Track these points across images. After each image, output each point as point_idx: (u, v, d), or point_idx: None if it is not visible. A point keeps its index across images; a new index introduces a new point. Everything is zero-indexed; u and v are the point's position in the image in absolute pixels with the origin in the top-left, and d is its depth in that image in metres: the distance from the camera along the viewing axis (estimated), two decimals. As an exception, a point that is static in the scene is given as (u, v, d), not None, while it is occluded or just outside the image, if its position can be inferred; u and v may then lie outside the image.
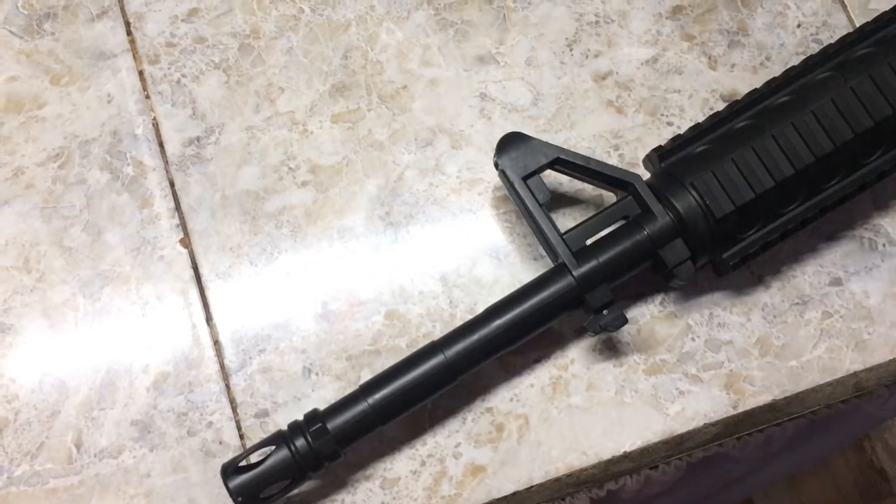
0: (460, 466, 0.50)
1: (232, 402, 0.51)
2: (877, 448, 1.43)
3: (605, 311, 0.48)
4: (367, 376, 0.51)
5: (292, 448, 0.45)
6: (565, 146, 0.55)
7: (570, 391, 0.51)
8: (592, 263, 0.48)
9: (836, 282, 0.53)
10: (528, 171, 0.49)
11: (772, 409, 0.52)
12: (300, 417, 0.50)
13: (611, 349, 0.52)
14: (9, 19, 0.58)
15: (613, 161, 0.55)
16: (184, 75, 0.57)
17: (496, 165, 0.50)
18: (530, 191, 0.49)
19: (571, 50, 0.58)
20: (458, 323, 0.52)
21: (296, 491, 0.48)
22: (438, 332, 0.52)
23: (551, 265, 0.51)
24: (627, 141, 0.56)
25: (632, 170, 0.52)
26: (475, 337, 0.47)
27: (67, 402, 0.51)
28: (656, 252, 0.48)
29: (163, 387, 0.51)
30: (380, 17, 0.59)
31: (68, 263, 0.53)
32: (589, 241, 0.49)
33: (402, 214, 0.54)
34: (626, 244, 0.48)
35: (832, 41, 0.53)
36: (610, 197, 0.54)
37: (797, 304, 0.53)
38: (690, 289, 0.53)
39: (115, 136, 0.56)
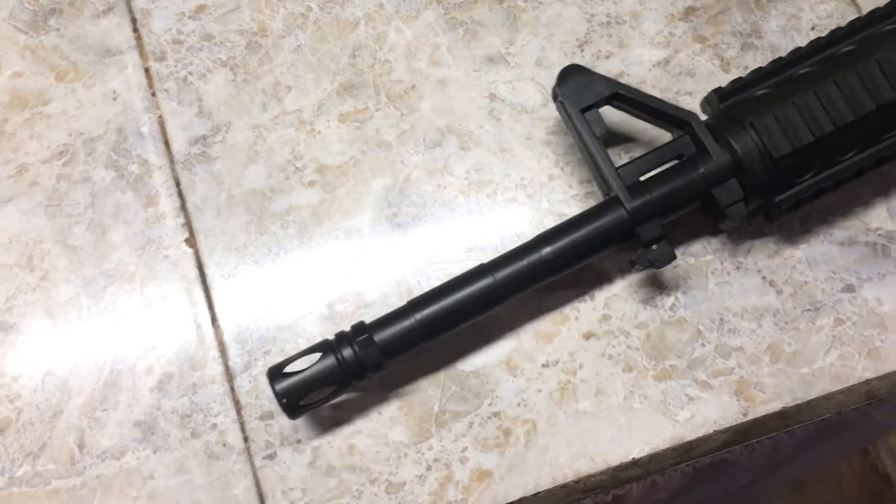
0: (467, 471, 0.50)
1: (236, 403, 0.51)
2: (881, 453, 1.42)
3: (654, 247, 0.48)
4: (372, 379, 0.51)
5: (339, 356, 0.46)
6: (574, 149, 0.55)
7: (578, 396, 0.51)
8: (645, 197, 0.48)
9: (849, 288, 0.53)
10: (587, 104, 0.49)
11: (782, 416, 0.51)
12: (304, 419, 0.50)
13: (620, 354, 0.51)
14: (14, 14, 0.57)
15: (623, 161, 0.54)
16: (190, 73, 0.56)
17: (555, 97, 0.51)
18: (588, 123, 0.49)
19: (582, 51, 0.57)
20: (466, 328, 0.51)
21: (340, 398, 0.48)
22: (446, 337, 0.51)
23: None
24: (639, 143, 0.55)
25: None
26: (525, 262, 0.48)
27: (70, 403, 0.50)
28: (709, 191, 0.48)
29: (167, 388, 0.51)
30: (389, 15, 0.58)
31: (72, 262, 0.53)
32: (643, 178, 0.49)
33: (409, 215, 0.54)
34: (679, 181, 0.48)
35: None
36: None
37: (809, 310, 0.52)
38: (701, 294, 0.52)
39: (120, 133, 0.55)
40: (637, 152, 0.54)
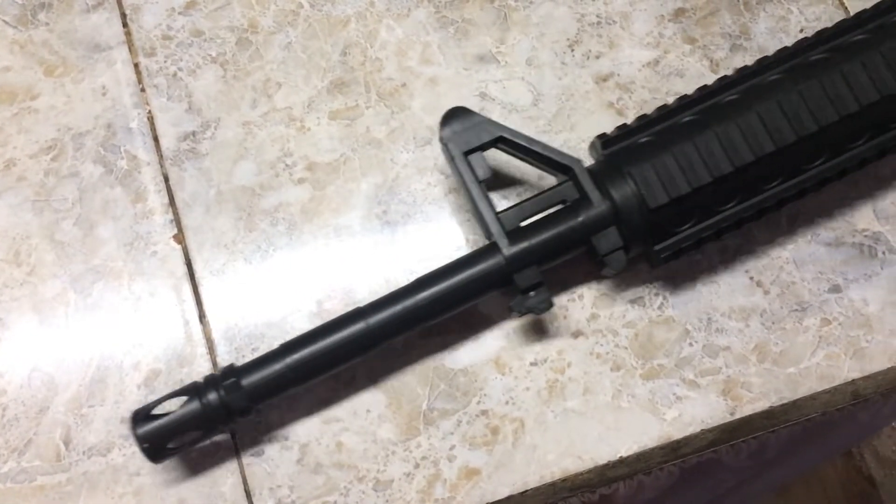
0: (454, 469, 0.50)
1: (224, 400, 0.50)
2: (865, 455, 1.43)
3: (532, 293, 0.48)
4: (361, 377, 0.51)
5: (204, 401, 0.45)
6: (564, 148, 0.55)
7: (566, 395, 0.51)
8: (524, 244, 0.48)
9: (836, 289, 0.53)
10: (471, 147, 0.49)
11: (769, 415, 0.51)
12: (292, 416, 0.49)
13: (608, 353, 0.51)
14: (2, 8, 0.57)
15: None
16: (180, 69, 0.56)
17: (441, 139, 0.50)
18: (470, 167, 0.49)
19: (573, 50, 0.57)
20: (454, 324, 0.51)
21: (207, 442, 0.48)
22: (435, 334, 0.52)
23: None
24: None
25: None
26: (399, 307, 0.47)
27: (56, 399, 0.50)
28: (590, 239, 0.48)
29: (154, 384, 0.50)
30: (379, 13, 0.58)
31: (60, 257, 0.52)
32: (525, 223, 0.49)
33: (399, 213, 0.54)
34: (559, 228, 0.48)
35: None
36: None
37: (796, 310, 0.52)
38: (689, 293, 0.53)
39: (109, 129, 0.55)
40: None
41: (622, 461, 0.50)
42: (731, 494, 0.84)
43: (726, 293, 0.53)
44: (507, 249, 0.47)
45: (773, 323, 0.52)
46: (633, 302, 0.52)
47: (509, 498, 0.49)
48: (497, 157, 0.52)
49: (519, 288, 0.48)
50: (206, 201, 0.53)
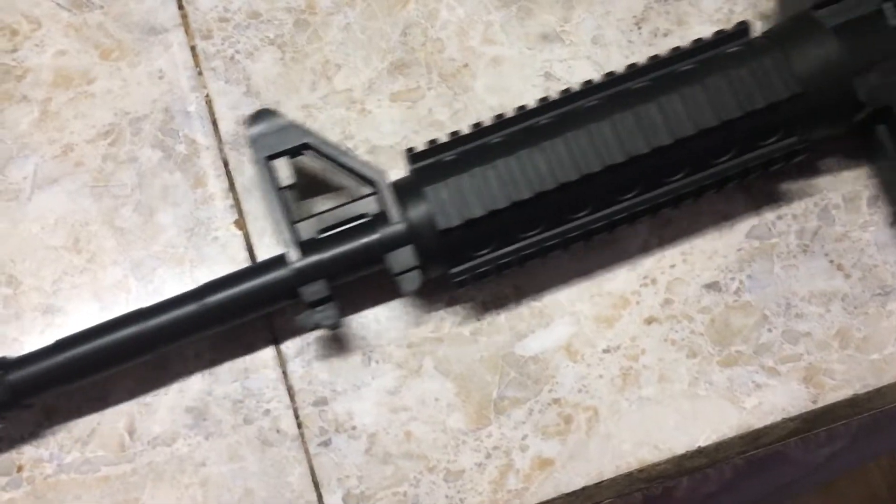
0: (527, 459, 0.48)
1: (289, 389, 0.49)
2: (910, 447, 1.40)
3: (319, 308, 0.46)
4: (428, 364, 0.50)
5: None
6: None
7: (641, 382, 0.49)
8: (314, 258, 0.45)
9: (920, 272, 0.51)
10: (274, 152, 0.47)
11: (852, 403, 0.49)
12: (359, 406, 0.48)
13: (683, 340, 0.50)
14: (57, -8, 0.56)
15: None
16: (237, 51, 0.55)
17: (248, 140, 0.48)
18: (270, 172, 0.47)
19: (640, 28, 0.55)
20: (524, 311, 0.50)
21: None
22: (503, 321, 0.50)
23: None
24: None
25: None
26: (182, 311, 0.46)
27: (119, 387, 0.49)
28: (384, 257, 0.46)
29: (218, 373, 0.49)
30: (439, -7, 0.56)
31: (120, 244, 0.51)
32: (324, 235, 0.47)
33: (464, 197, 0.52)
34: (353, 244, 0.46)
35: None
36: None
37: (879, 294, 0.50)
38: (766, 277, 0.51)
39: (166, 112, 0.54)
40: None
41: (700, 451, 0.48)
42: (788, 488, 0.82)
43: (805, 277, 0.51)
44: (296, 261, 0.45)
45: (856, 308, 0.50)
46: (708, 287, 0.51)
47: (584, 489, 0.48)
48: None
49: (304, 301, 0.45)
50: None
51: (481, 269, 0.46)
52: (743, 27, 0.48)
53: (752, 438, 0.49)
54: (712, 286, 0.51)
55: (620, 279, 0.51)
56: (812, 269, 0.51)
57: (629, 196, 0.46)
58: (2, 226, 0.52)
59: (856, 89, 0.46)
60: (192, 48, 0.55)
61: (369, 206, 0.47)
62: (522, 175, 0.45)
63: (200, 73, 0.54)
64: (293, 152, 0.47)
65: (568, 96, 0.48)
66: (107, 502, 0.47)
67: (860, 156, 0.52)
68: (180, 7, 0.56)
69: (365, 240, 0.46)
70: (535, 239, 0.46)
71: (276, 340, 0.50)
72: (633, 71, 0.48)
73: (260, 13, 0.56)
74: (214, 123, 0.54)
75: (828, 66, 0.47)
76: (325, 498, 0.48)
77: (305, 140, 0.47)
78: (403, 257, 0.46)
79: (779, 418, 0.49)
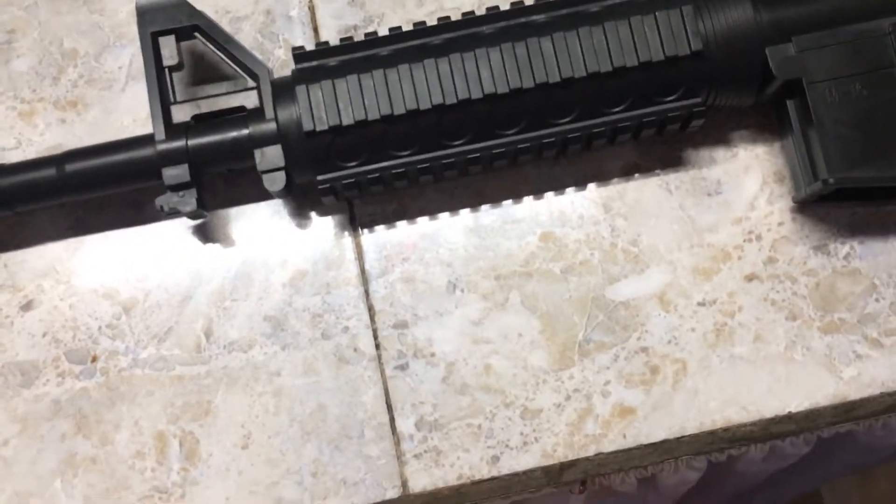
0: (608, 406, 0.47)
1: (370, 308, 0.48)
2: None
3: (180, 193, 0.44)
4: (515, 299, 0.48)
5: None
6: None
7: (734, 340, 0.47)
8: (179, 142, 0.44)
9: None
10: (161, 28, 0.46)
11: (957, 385, 0.47)
12: (440, 333, 0.47)
13: (784, 301, 0.47)
14: None
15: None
16: (345, -42, 0.53)
17: (136, 9, 0.46)
18: (153, 49, 0.45)
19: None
20: (619, 254, 0.48)
21: None
22: (597, 261, 0.48)
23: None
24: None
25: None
26: (38, 175, 0.46)
27: (200, 290, 0.48)
28: (253, 152, 0.45)
29: (299, 284, 0.48)
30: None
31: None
32: (199, 123, 0.45)
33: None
34: (222, 135, 0.45)
35: None
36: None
37: None
38: (879, 245, 0.48)
39: (268, 15, 0.52)
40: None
41: (790, 417, 0.46)
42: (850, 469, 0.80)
43: (921, 249, 0.48)
44: (162, 144, 0.44)
45: (972, 286, 0.47)
46: (816, 248, 0.48)
47: (664, 442, 0.46)
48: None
49: (164, 184, 0.44)
50: (363, 100, 0.50)
51: (347, 181, 0.45)
52: None
53: (846, 410, 0.47)
54: (821, 248, 0.48)
55: (724, 232, 0.48)
56: (929, 241, 0.48)
57: (511, 132, 0.45)
58: (94, 113, 0.51)
59: (768, 59, 0.44)
60: (299, -49, 0.53)
61: (250, 99, 0.46)
62: (400, 90, 0.44)
63: (305, -22, 0.53)
64: (181, 32, 0.46)
65: (469, 20, 0.46)
66: (179, 402, 0.47)
67: None
68: None
69: (234, 133, 0.45)
70: (408, 160, 0.45)
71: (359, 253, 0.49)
72: (541, 4, 0.46)
73: (371, -79, 0.53)
74: (315, 31, 0.52)
75: (740, 29, 0.44)
76: (398, 421, 0.47)
77: (195, 22, 0.46)
78: (271, 156, 0.45)
79: (877, 391, 0.46)
